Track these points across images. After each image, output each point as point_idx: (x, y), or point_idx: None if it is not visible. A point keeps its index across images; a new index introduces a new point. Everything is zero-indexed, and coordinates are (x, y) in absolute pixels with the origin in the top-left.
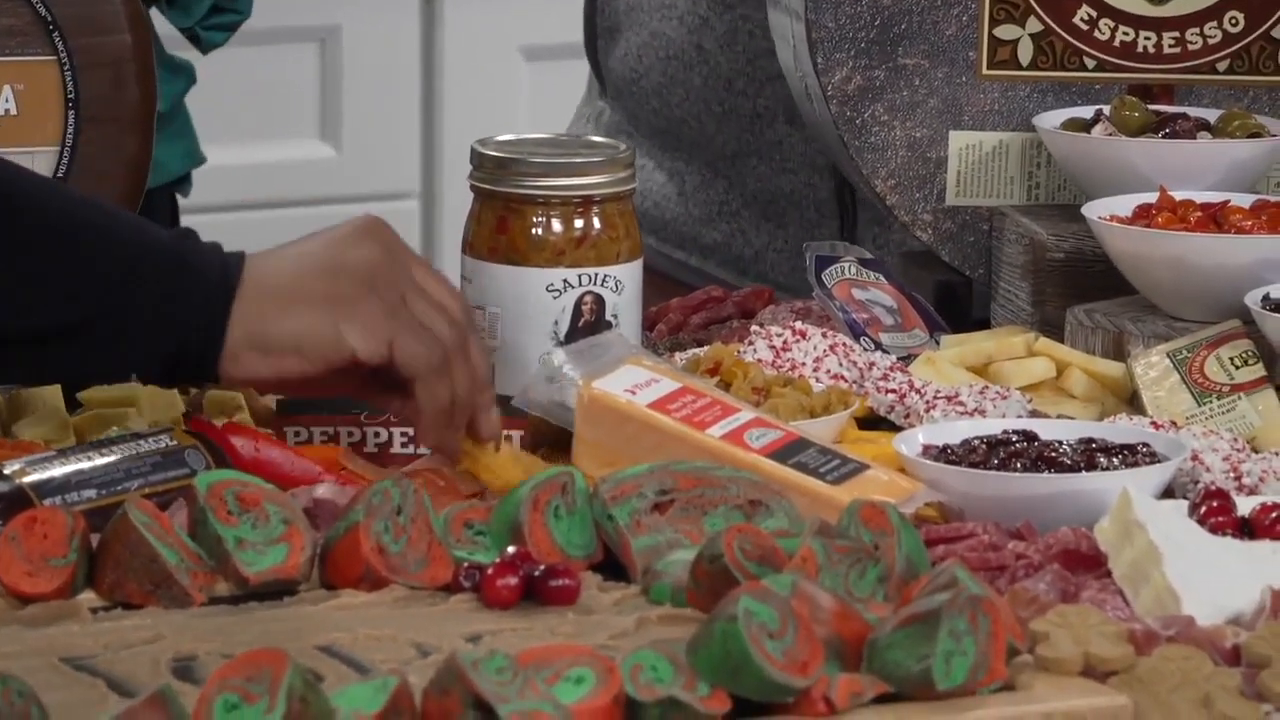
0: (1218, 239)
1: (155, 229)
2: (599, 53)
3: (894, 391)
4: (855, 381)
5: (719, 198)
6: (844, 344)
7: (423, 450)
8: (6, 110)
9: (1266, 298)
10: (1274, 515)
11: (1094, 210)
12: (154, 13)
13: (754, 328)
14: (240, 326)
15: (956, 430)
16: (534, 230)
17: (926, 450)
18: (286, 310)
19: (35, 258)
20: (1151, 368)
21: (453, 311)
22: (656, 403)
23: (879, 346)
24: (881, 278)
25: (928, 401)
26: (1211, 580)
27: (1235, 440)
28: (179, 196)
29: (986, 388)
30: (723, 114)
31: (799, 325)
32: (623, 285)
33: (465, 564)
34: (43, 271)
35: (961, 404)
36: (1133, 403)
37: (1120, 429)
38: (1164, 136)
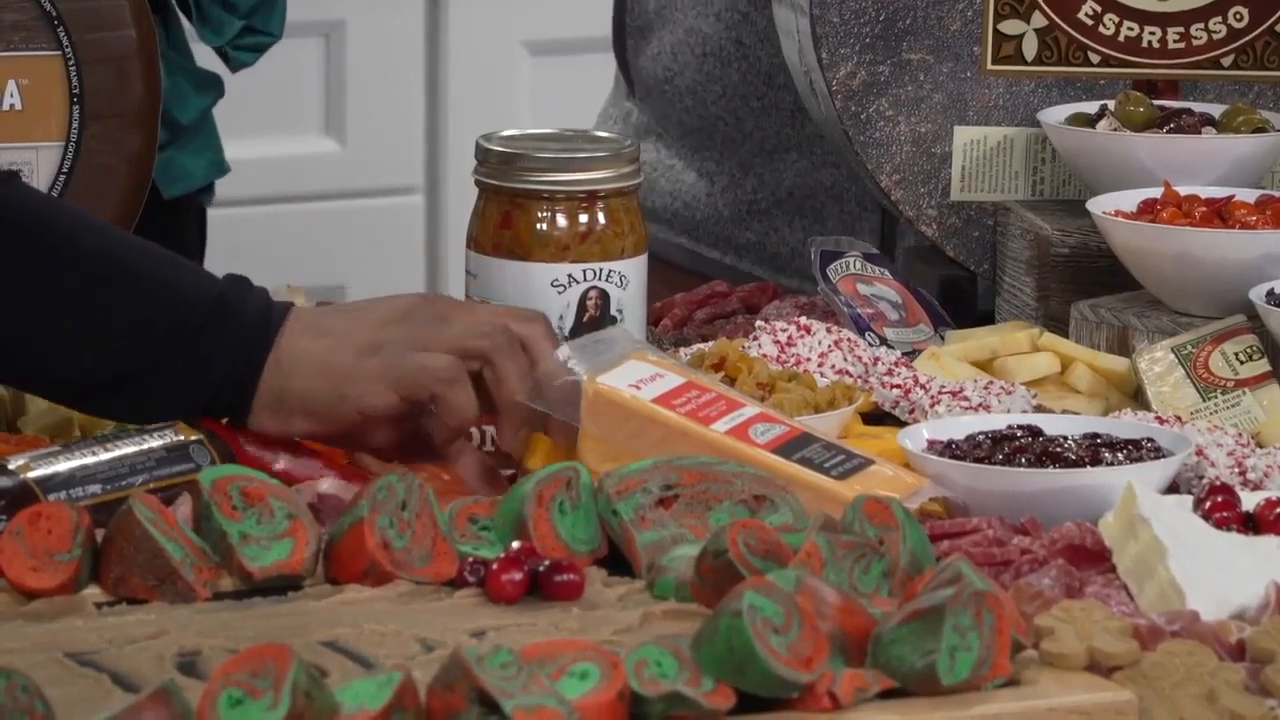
0: (1222, 234)
1: (203, 278)
2: (628, 53)
3: (899, 386)
4: (860, 376)
5: (751, 195)
6: (849, 339)
7: None
8: (11, 105)
9: (1271, 293)
10: (1278, 510)
11: (1099, 205)
12: (186, 26)
13: (759, 323)
14: (264, 383)
15: (961, 425)
16: (538, 225)
17: (931, 445)
18: (301, 371)
19: (80, 312)
20: (1156, 363)
21: (489, 314)
22: (661, 398)
23: (884, 341)
24: (886, 273)
25: (932, 397)
26: (1216, 575)
27: (1240, 435)
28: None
29: (991, 383)
30: (762, 109)
31: (804, 320)
32: (627, 280)
33: (470, 559)
34: (86, 326)
35: (966, 399)
36: (1137, 398)
37: (1125, 424)
38: (1169, 132)
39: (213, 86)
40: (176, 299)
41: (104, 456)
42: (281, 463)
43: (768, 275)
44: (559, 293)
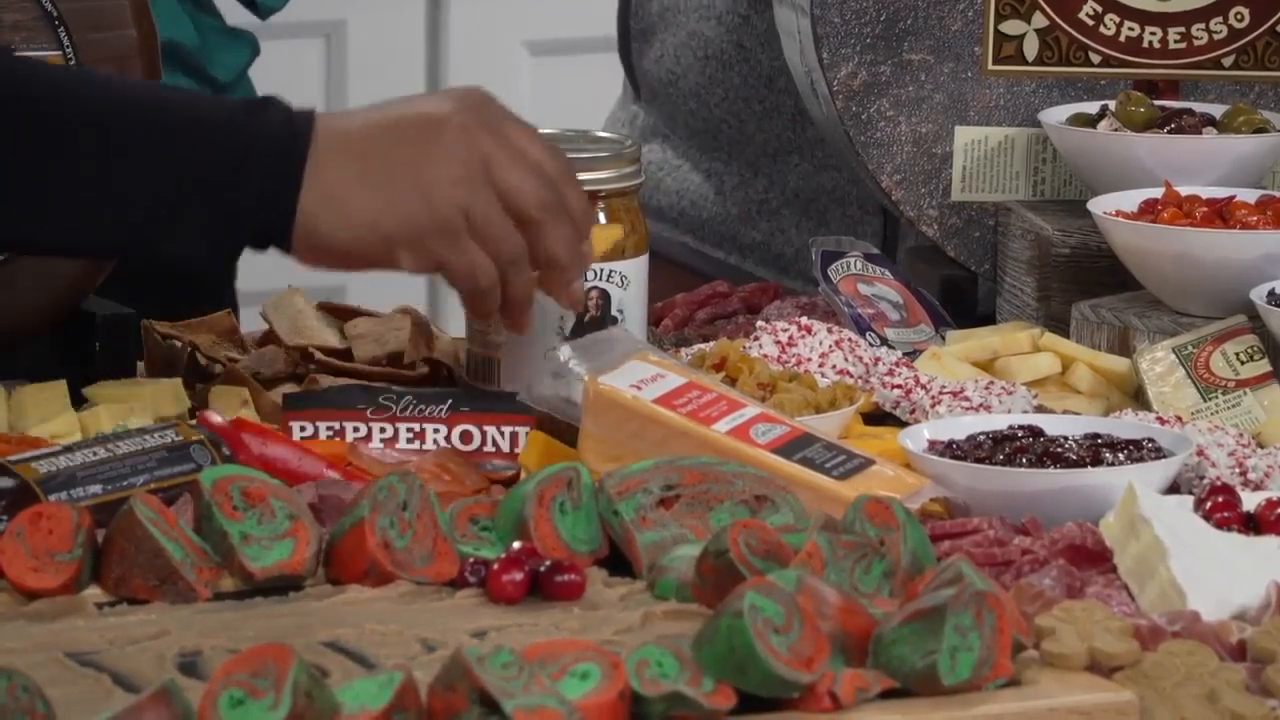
0: (1223, 234)
1: (218, 105)
2: (633, 55)
3: (899, 387)
4: (861, 377)
5: (758, 196)
6: (849, 339)
7: (428, 446)
8: None
9: (1272, 293)
10: (1279, 511)
11: (1099, 205)
12: None
13: (759, 323)
14: (313, 192)
15: (962, 426)
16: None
17: (932, 445)
18: (341, 211)
19: (101, 169)
20: (1157, 363)
21: (544, 166)
22: (662, 398)
23: (884, 342)
24: (887, 273)
25: (933, 397)
26: (1217, 575)
27: (1240, 436)
28: None
29: (992, 383)
30: (763, 112)
31: (804, 320)
32: (628, 280)
33: (471, 559)
34: (108, 183)
35: (967, 399)
36: (1138, 398)
37: (1126, 424)
38: (1169, 132)
39: (247, 44)
40: (197, 139)
41: (105, 456)
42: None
43: (771, 276)
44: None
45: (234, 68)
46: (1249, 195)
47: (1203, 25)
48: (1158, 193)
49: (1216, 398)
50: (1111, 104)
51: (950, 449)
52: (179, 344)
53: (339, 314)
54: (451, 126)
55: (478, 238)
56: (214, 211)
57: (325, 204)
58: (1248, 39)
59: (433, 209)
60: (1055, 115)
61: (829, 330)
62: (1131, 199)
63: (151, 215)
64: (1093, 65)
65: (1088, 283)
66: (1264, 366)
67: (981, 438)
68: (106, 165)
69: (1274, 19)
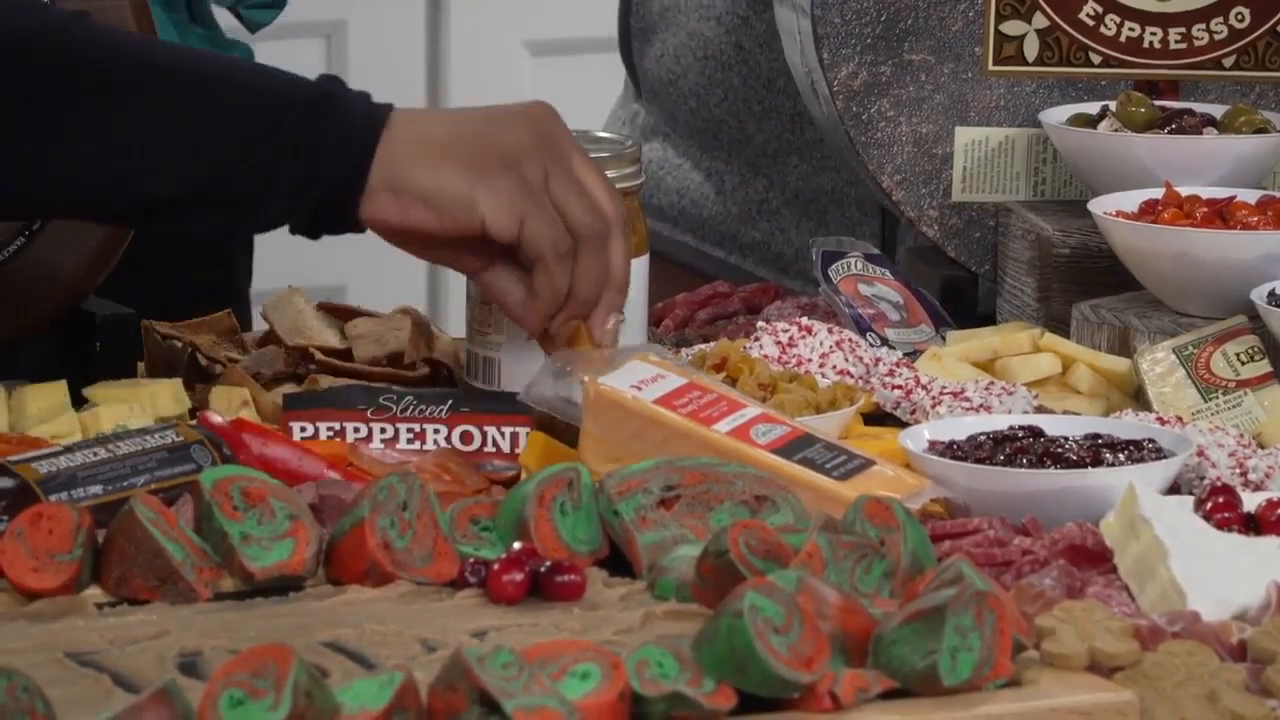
0: (1224, 234)
1: (298, 79)
2: (634, 54)
3: (900, 387)
4: (861, 377)
5: (759, 196)
6: (850, 339)
7: (428, 447)
8: None
9: (1272, 293)
10: (1279, 511)
11: (1100, 206)
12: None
13: (760, 323)
14: (380, 167)
15: (962, 426)
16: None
17: (932, 446)
18: (427, 162)
19: (176, 122)
20: (1157, 363)
21: (600, 203)
22: (662, 398)
23: (885, 342)
24: (887, 273)
25: (933, 397)
26: (1217, 576)
27: (1241, 436)
28: None
29: (992, 383)
30: (762, 113)
31: (805, 321)
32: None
33: (471, 559)
34: (186, 136)
35: (967, 400)
36: (1138, 398)
37: (1126, 425)
38: (1170, 132)
39: (239, 53)
40: (269, 99)
41: (105, 457)
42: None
43: (771, 276)
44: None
45: None
46: (1249, 196)
47: (1203, 25)
48: (1158, 193)
49: (1217, 398)
50: (1112, 104)
51: (950, 449)
52: (179, 344)
53: (339, 314)
54: (526, 152)
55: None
56: (295, 174)
57: (406, 150)
58: (1248, 39)
59: (518, 167)
60: (1056, 116)
61: (829, 331)
62: (1132, 199)
63: (237, 176)
64: (1093, 66)
65: (1088, 283)
66: (1264, 367)
67: (982, 438)
68: (186, 123)
69: (1274, 19)
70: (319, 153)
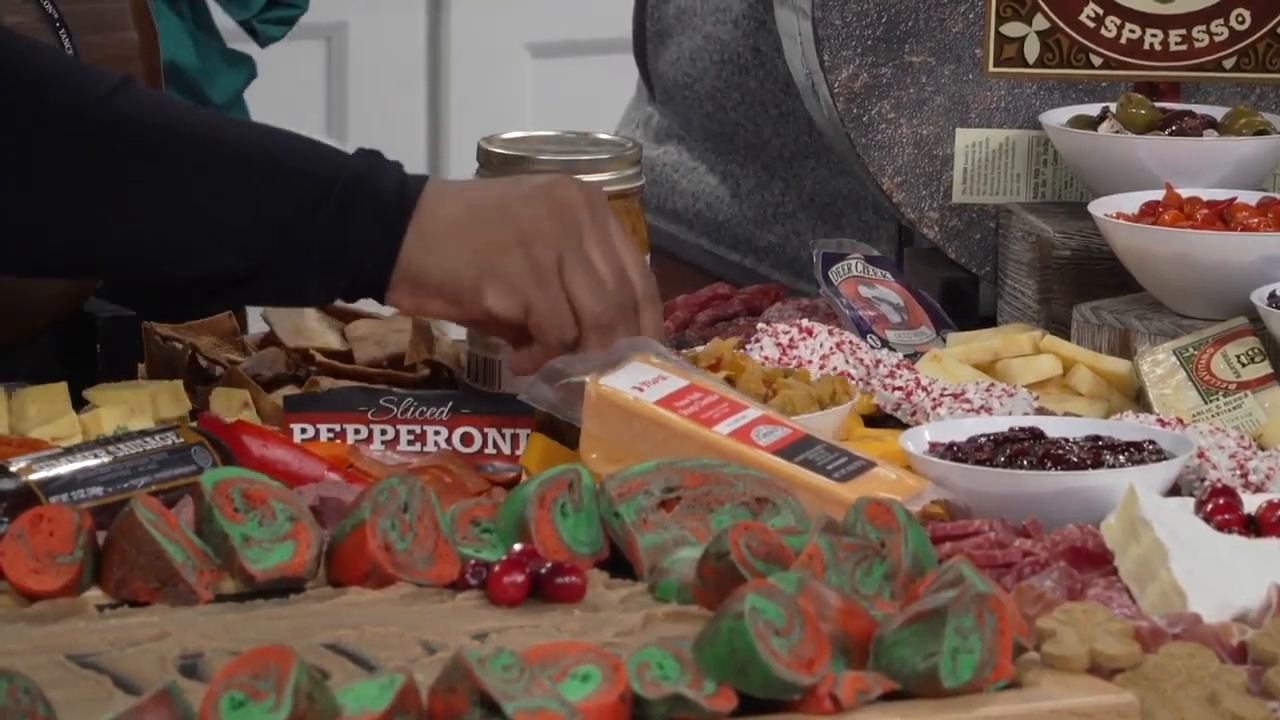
0: (1224, 236)
1: (334, 155)
2: (648, 57)
3: (900, 389)
4: (862, 379)
5: (774, 200)
6: (850, 341)
7: (429, 448)
8: None
9: (1273, 295)
10: None
11: (1100, 207)
12: (215, 7)
13: (760, 325)
14: (403, 261)
15: (963, 428)
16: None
17: (933, 448)
18: (442, 249)
19: (213, 206)
20: (1158, 365)
21: (610, 288)
22: (664, 400)
23: (885, 344)
24: (888, 275)
25: (934, 399)
26: (1217, 577)
27: (1241, 438)
28: None
29: (993, 385)
30: (780, 117)
31: (805, 322)
32: None
33: (472, 561)
34: (219, 221)
35: (968, 401)
36: (1139, 400)
37: (1126, 426)
38: (1170, 134)
39: (243, 65)
40: (309, 182)
41: (106, 459)
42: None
43: (786, 279)
44: None
45: (230, 90)
46: (1250, 197)
47: (1203, 27)
48: (1159, 195)
49: (1217, 400)
50: (1112, 106)
51: (951, 451)
52: (180, 346)
53: (340, 316)
54: (540, 232)
55: (567, 288)
56: (325, 254)
57: (425, 241)
58: (1248, 41)
59: (528, 248)
60: (1056, 117)
61: (830, 332)
62: (1132, 201)
63: (270, 247)
64: (1094, 67)
65: (1089, 285)
66: (1265, 368)
67: (982, 440)
68: (226, 203)
69: (1275, 21)
70: (348, 249)
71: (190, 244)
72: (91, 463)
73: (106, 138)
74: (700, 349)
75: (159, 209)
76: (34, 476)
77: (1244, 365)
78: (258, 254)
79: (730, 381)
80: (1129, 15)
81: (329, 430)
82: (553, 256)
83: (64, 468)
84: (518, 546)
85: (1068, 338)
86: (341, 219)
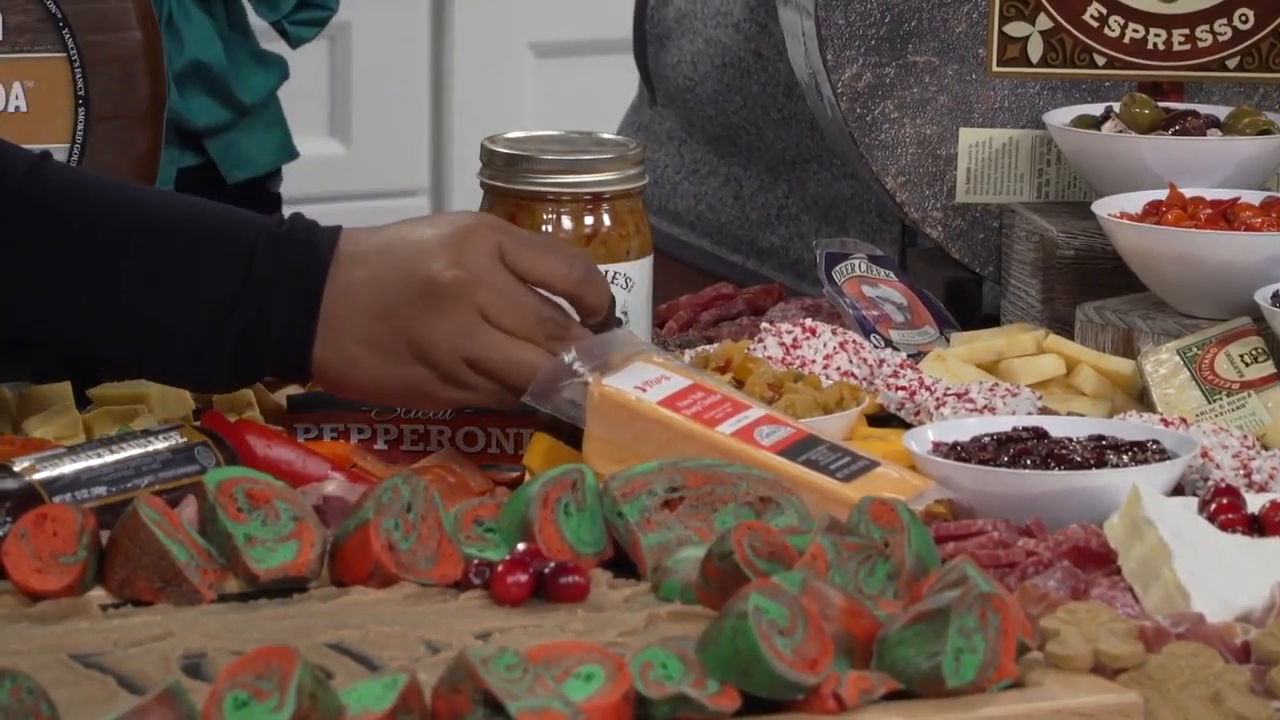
0: (1228, 236)
1: (245, 242)
2: (648, 60)
3: (904, 388)
4: (865, 379)
5: (778, 202)
6: (854, 341)
7: (432, 448)
8: (17, 107)
9: (1276, 295)
10: None
11: (1104, 207)
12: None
13: (764, 325)
14: (326, 348)
15: (966, 427)
16: (544, 227)
17: (936, 447)
18: (352, 372)
19: (113, 294)
20: (1161, 365)
21: (531, 311)
22: (667, 400)
23: (889, 344)
24: (891, 274)
25: (938, 398)
26: (1221, 577)
27: (1245, 437)
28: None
29: (996, 385)
30: (782, 120)
31: (809, 322)
32: (633, 282)
33: (475, 561)
34: (120, 310)
35: (971, 401)
36: (1142, 400)
37: (1130, 426)
38: (1174, 134)
39: (275, 66)
40: (221, 276)
41: (109, 459)
42: (287, 463)
43: (789, 281)
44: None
45: (261, 91)
46: (1253, 197)
47: (1207, 27)
48: (1162, 194)
49: (1221, 399)
50: (1116, 106)
51: (954, 451)
52: None
53: None
54: (448, 288)
55: (484, 375)
56: (237, 357)
57: (337, 363)
58: (1252, 40)
59: (435, 367)
60: (1060, 117)
61: (833, 332)
62: (1136, 201)
63: (179, 339)
64: (1097, 67)
65: (1092, 284)
66: (1269, 368)
67: (986, 440)
68: (149, 287)
69: (1278, 20)
70: (260, 344)
71: (93, 328)
72: (95, 462)
73: (18, 217)
74: (710, 349)
75: (62, 290)
76: (37, 476)
77: (1247, 365)
78: (163, 345)
79: (737, 384)
80: (1132, 15)
81: (332, 430)
82: (456, 358)
83: (67, 467)
84: (521, 546)
85: (1071, 337)
86: (254, 319)
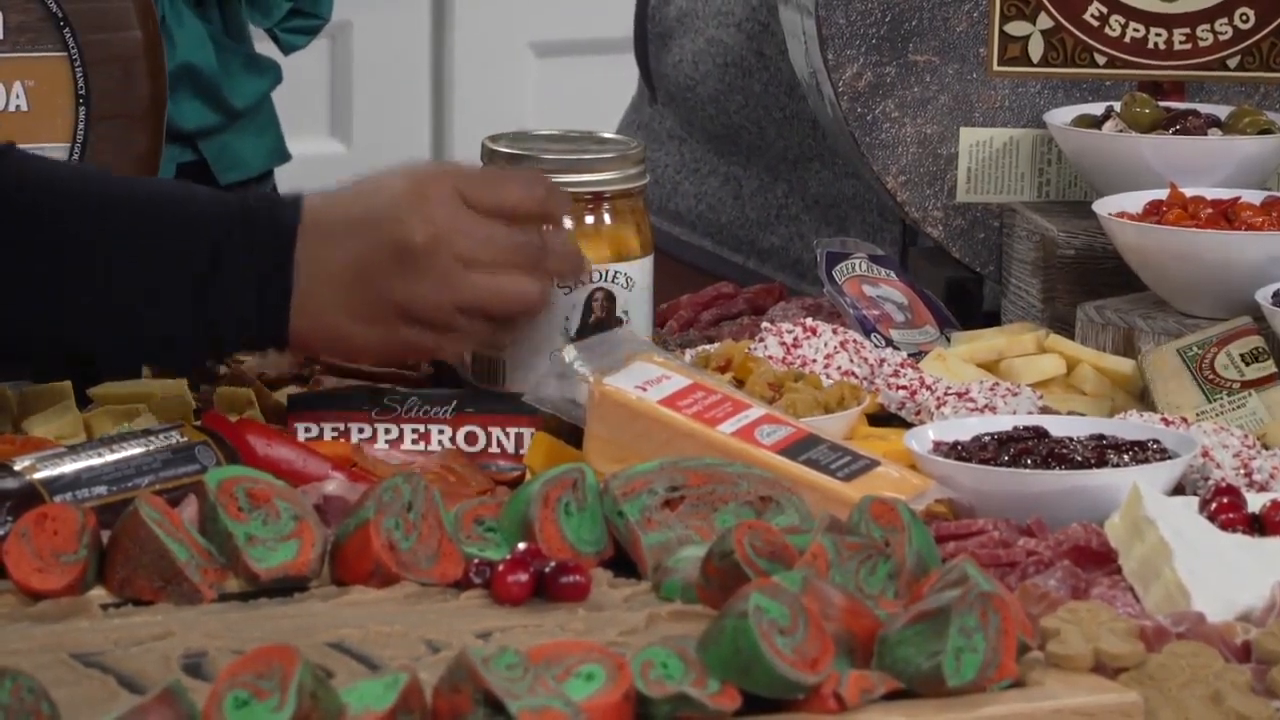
0: (1228, 235)
1: (214, 224)
2: (649, 59)
3: (905, 388)
4: (866, 378)
5: (779, 201)
6: (855, 340)
7: (433, 448)
8: (18, 106)
9: (1277, 294)
10: None
11: (1104, 207)
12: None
13: (764, 324)
14: (303, 319)
15: (967, 427)
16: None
17: (937, 447)
18: (333, 343)
19: (81, 284)
20: (1162, 364)
21: (512, 255)
22: (667, 399)
23: (890, 343)
24: (892, 274)
25: (938, 398)
26: (1221, 577)
27: (1246, 437)
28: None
29: (997, 384)
30: (784, 119)
31: (810, 322)
32: (634, 282)
33: (476, 560)
34: (87, 299)
35: (972, 400)
36: (1143, 399)
37: (1131, 425)
38: (1174, 133)
39: (269, 71)
40: (188, 258)
41: (110, 458)
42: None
43: (790, 281)
44: (565, 294)
45: (252, 95)
46: (1254, 196)
47: (1208, 26)
48: (1163, 194)
49: (1221, 399)
50: (1117, 105)
51: (955, 450)
52: None
53: None
54: (422, 248)
55: (479, 316)
56: (209, 340)
57: (319, 334)
58: (1253, 40)
59: (427, 323)
60: (1060, 116)
61: (834, 331)
62: (1136, 200)
63: (144, 324)
64: (1098, 66)
65: (1093, 284)
66: (1269, 368)
67: (986, 439)
68: (107, 276)
69: (1279, 20)
70: (228, 325)
71: (60, 318)
72: (95, 462)
73: None
74: (711, 349)
75: (27, 281)
76: (38, 475)
77: (1248, 364)
78: (133, 331)
79: (738, 384)
80: (1133, 14)
81: (333, 429)
82: (438, 308)
83: (68, 467)
84: (522, 545)
85: (1072, 337)
86: (225, 302)
